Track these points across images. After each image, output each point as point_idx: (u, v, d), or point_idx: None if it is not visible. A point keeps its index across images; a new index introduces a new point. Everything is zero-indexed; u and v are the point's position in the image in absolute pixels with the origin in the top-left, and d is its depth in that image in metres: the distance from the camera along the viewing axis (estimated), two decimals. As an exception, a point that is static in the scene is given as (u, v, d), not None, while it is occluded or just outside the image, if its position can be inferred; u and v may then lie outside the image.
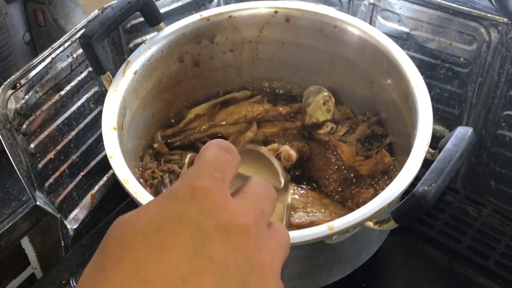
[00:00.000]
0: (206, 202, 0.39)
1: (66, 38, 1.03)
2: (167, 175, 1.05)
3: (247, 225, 0.40)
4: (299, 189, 1.03)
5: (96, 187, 1.16)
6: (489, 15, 1.07)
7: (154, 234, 0.37)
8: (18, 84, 0.95)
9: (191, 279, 0.36)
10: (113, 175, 1.09)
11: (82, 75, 1.08)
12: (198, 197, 0.39)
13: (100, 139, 1.10)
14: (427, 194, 0.75)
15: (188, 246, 0.37)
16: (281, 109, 1.19)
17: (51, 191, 1.06)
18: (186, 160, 0.54)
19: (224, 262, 0.38)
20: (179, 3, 1.21)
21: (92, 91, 1.11)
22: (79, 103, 1.09)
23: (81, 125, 1.10)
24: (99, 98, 1.13)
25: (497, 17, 1.06)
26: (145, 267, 0.36)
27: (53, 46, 1.01)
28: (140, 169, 1.07)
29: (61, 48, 1.02)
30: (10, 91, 0.94)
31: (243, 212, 0.41)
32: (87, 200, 1.14)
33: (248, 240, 0.39)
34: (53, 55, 1.01)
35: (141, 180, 1.04)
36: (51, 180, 1.05)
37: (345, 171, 1.09)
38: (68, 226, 1.09)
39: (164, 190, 0.39)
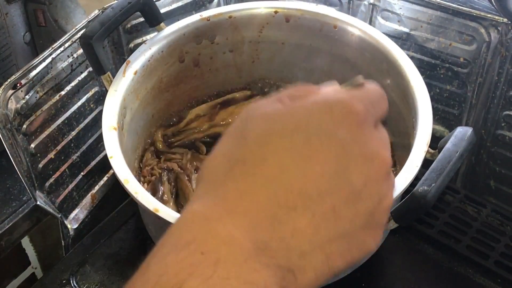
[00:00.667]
0: (357, 129, 0.40)
1: (66, 38, 1.03)
2: (165, 173, 1.06)
3: (386, 162, 0.41)
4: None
5: (97, 187, 1.17)
6: (489, 15, 1.07)
7: (302, 143, 0.38)
8: (18, 84, 0.95)
9: (326, 197, 0.38)
10: (113, 175, 1.09)
11: (83, 75, 1.08)
12: (351, 121, 0.40)
13: (100, 139, 1.11)
14: (427, 194, 0.75)
15: (332, 165, 0.38)
16: (281, 109, 1.19)
17: (52, 191, 1.06)
18: None
19: (360, 190, 0.39)
20: (179, 3, 1.21)
21: (93, 91, 1.12)
22: (79, 103, 1.09)
23: (82, 125, 1.10)
24: (99, 98, 1.13)
25: (497, 17, 1.06)
26: (288, 174, 0.37)
27: (53, 46, 1.01)
28: (140, 165, 1.08)
29: (62, 48, 1.02)
30: (10, 91, 0.94)
31: (383, 147, 0.42)
32: (87, 200, 1.14)
33: (385, 174, 0.41)
34: (53, 55, 1.01)
35: (140, 177, 1.04)
36: (51, 180, 1.05)
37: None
38: (69, 226, 1.09)
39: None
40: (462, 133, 0.85)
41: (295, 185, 0.37)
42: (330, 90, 0.44)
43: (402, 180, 0.81)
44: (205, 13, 1.12)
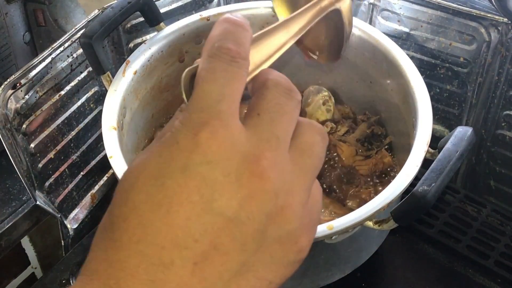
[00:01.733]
0: (211, 148, 0.34)
1: (66, 38, 1.03)
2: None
3: (260, 168, 0.35)
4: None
5: (96, 187, 1.17)
6: (489, 15, 1.07)
7: (158, 192, 0.34)
8: (18, 84, 0.95)
9: (203, 239, 0.34)
10: (113, 174, 1.09)
11: (82, 75, 1.08)
12: (201, 144, 0.34)
13: (100, 139, 1.11)
14: (427, 194, 0.75)
15: (196, 203, 0.34)
16: (281, 109, 1.18)
17: (51, 191, 1.06)
18: (182, 77, 0.41)
19: (237, 215, 0.34)
20: (179, 3, 1.21)
21: (92, 91, 1.11)
22: (79, 103, 1.09)
23: (81, 125, 1.10)
24: (99, 98, 1.13)
25: (497, 17, 1.06)
26: (152, 229, 0.34)
27: (53, 46, 1.01)
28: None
29: (61, 48, 1.02)
30: (10, 91, 0.94)
31: (255, 150, 0.36)
32: (87, 199, 1.14)
33: (262, 185, 0.35)
34: (53, 55, 1.01)
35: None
36: (51, 180, 1.05)
37: (344, 171, 1.09)
38: (68, 226, 1.09)
39: (165, 127, 0.33)
40: (462, 133, 0.85)
41: (165, 240, 0.33)
42: (180, 120, 0.37)
43: (402, 180, 0.81)
44: (205, 13, 1.12)
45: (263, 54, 0.44)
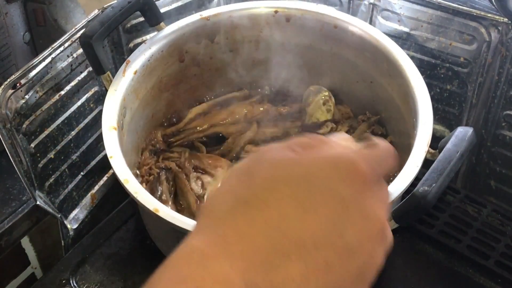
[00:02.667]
0: (360, 188, 0.41)
1: (66, 38, 1.03)
2: (163, 172, 1.05)
3: (382, 223, 0.42)
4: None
5: (96, 187, 1.16)
6: (489, 15, 1.07)
7: (306, 195, 0.40)
8: (18, 84, 0.95)
9: (320, 249, 0.38)
10: (113, 174, 1.09)
11: (82, 75, 1.08)
12: (355, 180, 0.41)
13: (100, 139, 1.10)
14: (427, 194, 0.75)
15: (330, 220, 0.39)
16: (281, 109, 1.19)
17: (51, 191, 1.06)
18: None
19: (354, 247, 0.40)
20: (179, 3, 1.21)
21: (92, 91, 1.11)
22: (79, 103, 1.09)
23: (81, 125, 1.10)
24: (99, 98, 1.13)
25: (497, 17, 1.06)
26: (288, 222, 0.39)
27: (53, 46, 1.01)
28: (139, 163, 1.08)
29: (61, 48, 1.02)
30: (10, 91, 0.94)
31: (382, 208, 0.43)
32: (87, 200, 1.14)
33: (380, 235, 0.42)
34: (53, 55, 1.01)
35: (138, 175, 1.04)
36: (51, 180, 1.05)
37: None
38: (68, 226, 1.09)
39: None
40: (462, 133, 0.85)
41: (292, 234, 0.38)
42: (341, 145, 0.45)
43: (403, 180, 0.81)
44: (205, 13, 1.12)
45: None
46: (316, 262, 0.38)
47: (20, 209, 1.07)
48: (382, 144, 0.47)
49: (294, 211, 0.39)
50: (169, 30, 1.09)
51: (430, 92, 0.94)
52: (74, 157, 1.10)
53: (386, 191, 0.45)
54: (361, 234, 0.41)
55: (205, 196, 1.02)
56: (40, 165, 1.02)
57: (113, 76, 1.00)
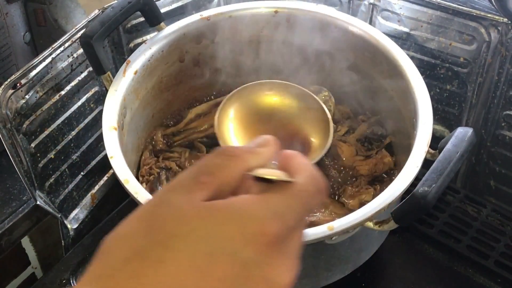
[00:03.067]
0: (265, 251, 0.39)
1: (66, 38, 1.03)
2: (163, 172, 1.05)
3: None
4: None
5: (96, 187, 1.17)
6: (489, 15, 1.07)
7: (205, 256, 0.38)
8: (18, 84, 0.95)
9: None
10: (113, 175, 1.09)
11: (82, 75, 1.08)
12: (261, 243, 0.39)
13: (100, 139, 1.11)
14: (427, 195, 0.75)
15: (228, 285, 0.37)
16: (281, 109, 1.19)
17: (52, 191, 1.06)
18: None
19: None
20: (180, 3, 1.21)
21: (93, 91, 1.11)
22: (79, 103, 1.09)
23: (82, 125, 1.10)
24: (99, 98, 1.13)
25: (497, 17, 1.06)
26: (181, 285, 0.37)
27: (53, 46, 1.01)
28: (139, 163, 1.08)
29: (62, 48, 1.02)
30: (10, 91, 0.94)
31: (287, 270, 0.41)
32: (87, 199, 1.14)
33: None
34: (53, 55, 1.01)
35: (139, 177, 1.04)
36: (51, 180, 1.05)
37: (345, 171, 1.09)
38: (69, 226, 1.09)
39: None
40: (462, 133, 0.85)
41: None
42: (251, 199, 0.41)
43: (403, 181, 0.81)
44: (205, 13, 1.12)
45: None
46: None
47: (20, 209, 1.07)
48: (307, 180, 0.44)
49: (189, 273, 0.37)
50: (169, 30, 1.09)
51: (430, 92, 0.94)
52: (74, 157, 1.10)
53: (295, 250, 0.43)
54: None
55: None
56: (40, 165, 1.02)
57: (113, 76, 1.00)
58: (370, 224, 0.80)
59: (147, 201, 0.42)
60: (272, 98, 0.84)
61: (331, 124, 0.78)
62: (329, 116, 0.79)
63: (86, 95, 1.10)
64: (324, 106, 0.80)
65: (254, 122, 0.77)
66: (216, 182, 0.41)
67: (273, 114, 0.78)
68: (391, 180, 0.84)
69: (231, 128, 0.76)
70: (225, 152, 0.43)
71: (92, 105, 1.12)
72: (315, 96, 0.80)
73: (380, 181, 1.05)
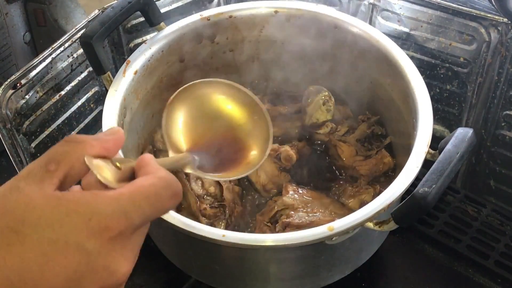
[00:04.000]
0: (108, 243, 0.42)
1: (66, 38, 1.03)
2: (164, 172, 1.05)
3: (121, 278, 0.44)
4: (299, 189, 1.03)
5: (96, 187, 1.16)
6: (489, 15, 1.07)
7: (52, 244, 0.40)
8: (18, 84, 0.95)
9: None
10: (114, 175, 1.09)
11: (82, 75, 1.08)
12: (104, 235, 0.42)
13: (100, 139, 1.10)
14: (427, 196, 0.75)
15: (70, 271, 0.41)
16: (281, 108, 1.19)
17: (52, 191, 1.06)
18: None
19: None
20: (180, 3, 1.21)
21: (92, 91, 1.11)
22: (79, 103, 1.09)
23: (81, 125, 1.10)
24: (99, 98, 1.13)
25: (497, 17, 1.06)
26: (29, 268, 0.39)
27: (53, 46, 1.01)
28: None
29: (61, 48, 1.02)
30: (10, 91, 0.94)
31: (126, 261, 0.44)
32: (87, 199, 1.14)
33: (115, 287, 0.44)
34: (53, 55, 1.01)
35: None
36: (51, 180, 1.05)
37: (345, 171, 1.09)
38: (69, 226, 1.09)
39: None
40: (462, 134, 0.85)
41: (29, 279, 0.39)
42: (102, 195, 0.44)
43: (403, 181, 0.81)
44: (205, 13, 1.12)
45: None
46: None
47: (20, 209, 1.07)
48: (160, 183, 0.46)
49: (36, 259, 0.40)
50: (169, 30, 1.09)
51: (430, 92, 0.94)
52: (74, 157, 1.10)
53: (138, 244, 0.46)
54: (99, 284, 0.42)
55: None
56: (40, 165, 1.02)
57: (113, 76, 1.00)
58: (370, 225, 0.80)
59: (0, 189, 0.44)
60: (221, 100, 0.84)
61: (270, 142, 0.79)
62: (271, 132, 0.80)
63: (86, 95, 1.10)
64: (269, 120, 0.81)
65: (201, 121, 0.78)
66: (63, 169, 0.44)
67: (219, 116, 0.78)
68: (391, 180, 0.84)
69: (179, 126, 0.77)
70: (71, 139, 0.46)
71: (92, 105, 1.12)
72: (263, 108, 0.80)
73: (380, 181, 1.05)
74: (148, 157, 0.49)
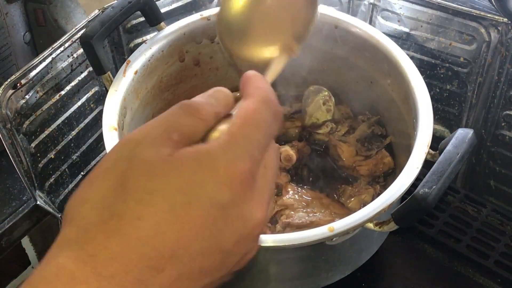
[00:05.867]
0: (240, 190, 0.40)
1: (66, 38, 1.03)
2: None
3: (260, 224, 0.42)
4: (299, 189, 1.03)
5: (97, 187, 1.16)
6: (489, 15, 1.07)
7: (183, 207, 0.39)
8: (18, 84, 0.95)
9: (195, 259, 0.39)
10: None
11: (83, 75, 1.08)
12: (235, 182, 0.40)
13: (100, 139, 1.11)
14: (428, 196, 0.75)
15: (207, 230, 0.39)
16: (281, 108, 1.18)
17: (52, 191, 1.06)
18: None
19: (230, 249, 0.41)
20: (180, 3, 1.21)
21: (93, 91, 1.11)
22: (79, 103, 1.09)
23: (82, 125, 1.10)
24: (100, 98, 1.13)
25: (497, 17, 1.06)
26: (163, 238, 0.38)
27: (53, 46, 1.01)
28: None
29: (62, 48, 1.02)
30: (10, 91, 0.94)
31: (262, 205, 0.42)
32: (87, 199, 1.14)
33: (256, 235, 0.43)
34: (53, 55, 1.01)
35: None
36: (51, 180, 1.05)
37: (345, 171, 1.09)
38: (69, 226, 1.09)
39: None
40: (463, 135, 0.85)
41: (167, 249, 0.38)
42: (216, 143, 0.42)
43: (403, 182, 0.81)
44: (205, 13, 1.12)
45: None
46: (190, 271, 0.39)
47: (20, 209, 1.07)
48: (260, 106, 0.44)
49: (170, 226, 0.38)
50: (170, 30, 1.09)
51: (430, 92, 0.94)
52: (74, 157, 1.10)
53: (267, 183, 0.44)
54: (238, 235, 0.41)
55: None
56: (40, 165, 1.02)
57: (114, 76, 1.00)
58: (370, 225, 0.80)
59: (109, 156, 0.42)
60: None
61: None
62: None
63: (86, 95, 1.10)
64: None
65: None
66: (185, 142, 0.42)
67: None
68: (391, 180, 0.84)
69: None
70: (194, 112, 0.44)
71: (92, 105, 1.12)
72: None
73: (380, 181, 1.05)
74: (250, 73, 0.47)
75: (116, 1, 1.02)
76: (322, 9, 1.13)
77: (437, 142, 0.89)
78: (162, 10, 1.14)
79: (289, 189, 1.02)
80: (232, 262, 0.42)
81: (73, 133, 1.09)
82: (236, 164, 0.40)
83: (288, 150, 1.06)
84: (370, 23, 1.22)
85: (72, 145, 1.09)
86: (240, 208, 0.41)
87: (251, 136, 0.43)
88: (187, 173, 0.39)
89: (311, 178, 1.09)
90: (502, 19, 1.06)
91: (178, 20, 1.11)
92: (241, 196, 0.41)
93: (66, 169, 1.08)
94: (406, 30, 1.19)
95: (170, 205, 0.38)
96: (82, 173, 1.12)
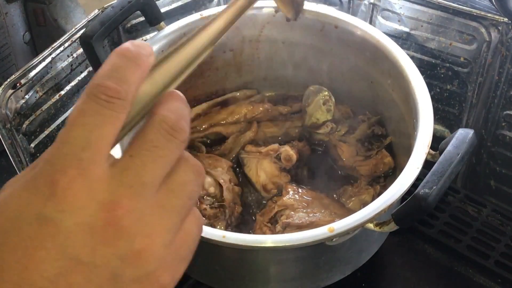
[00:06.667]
0: (67, 198, 0.36)
1: (66, 38, 1.03)
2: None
3: (114, 217, 0.37)
4: (299, 189, 1.03)
5: (96, 187, 1.16)
6: (489, 15, 1.07)
7: (15, 235, 0.36)
8: (18, 84, 0.95)
9: (58, 280, 0.35)
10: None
11: (82, 75, 1.08)
12: (57, 193, 0.36)
13: (100, 139, 1.10)
14: (428, 197, 0.75)
15: (50, 249, 0.35)
16: (281, 108, 1.19)
17: (51, 191, 1.06)
18: None
19: (91, 260, 0.36)
20: (179, 3, 1.21)
21: (92, 91, 1.11)
22: (79, 103, 1.08)
23: (81, 125, 1.10)
24: (99, 98, 1.12)
25: (497, 17, 1.06)
26: (9, 270, 0.35)
27: (53, 46, 1.01)
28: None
29: (61, 48, 1.02)
30: (10, 91, 0.94)
31: (114, 197, 0.37)
32: (87, 199, 1.14)
33: (116, 232, 0.37)
34: (53, 55, 1.01)
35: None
36: (51, 180, 1.05)
37: (345, 171, 1.09)
38: (68, 226, 1.09)
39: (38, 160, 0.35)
40: (463, 135, 0.85)
41: (20, 281, 0.35)
42: (43, 164, 0.37)
43: (403, 182, 0.81)
44: (205, 13, 1.12)
45: (170, 73, 0.44)
46: None
47: (20, 209, 1.07)
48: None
49: (10, 257, 0.35)
50: (169, 30, 1.08)
51: (430, 92, 0.94)
52: (74, 157, 1.10)
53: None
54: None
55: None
56: (40, 165, 1.02)
57: (113, 76, 1.00)
58: (370, 226, 0.80)
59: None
60: None
61: None
62: None
63: (86, 95, 1.10)
64: None
65: None
66: None
67: None
68: (391, 181, 0.84)
69: None
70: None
71: (92, 105, 1.12)
72: None
73: (380, 181, 1.05)
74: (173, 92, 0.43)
75: (116, 1, 1.02)
76: (322, 9, 1.13)
77: (437, 142, 0.89)
78: (162, 10, 1.14)
79: (289, 189, 1.02)
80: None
81: (73, 133, 1.08)
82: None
83: (288, 150, 1.06)
84: (370, 23, 1.22)
85: (72, 145, 1.09)
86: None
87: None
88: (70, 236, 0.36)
89: (311, 178, 1.09)
90: (503, 19, 1.06)
91: (178, 20, 1.11)
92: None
93: (66, 169, 1.08)
94: (406, 30, 1.19)
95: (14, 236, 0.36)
96: (82, 173, 1.12)
